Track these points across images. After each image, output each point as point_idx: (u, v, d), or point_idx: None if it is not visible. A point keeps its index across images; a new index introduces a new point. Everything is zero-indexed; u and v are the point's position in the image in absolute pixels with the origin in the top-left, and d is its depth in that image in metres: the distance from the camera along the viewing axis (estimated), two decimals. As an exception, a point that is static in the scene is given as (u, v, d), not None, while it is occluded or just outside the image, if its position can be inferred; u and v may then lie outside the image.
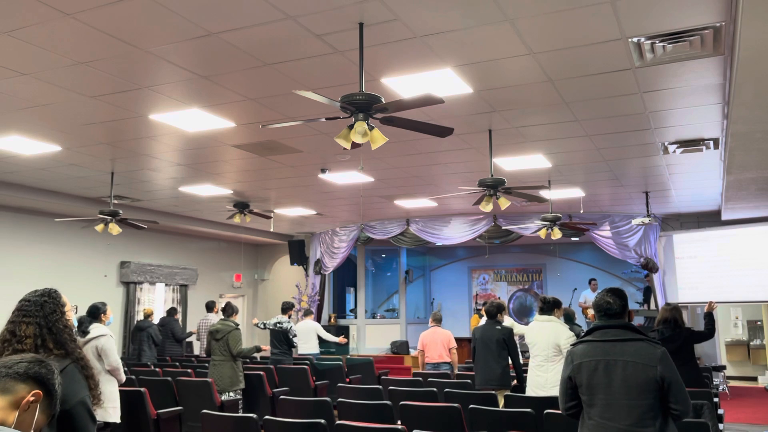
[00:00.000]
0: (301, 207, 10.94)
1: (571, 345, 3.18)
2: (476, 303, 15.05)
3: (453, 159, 7.55)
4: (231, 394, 6.62)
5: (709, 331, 5.88)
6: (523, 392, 5.70)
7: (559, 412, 4.07)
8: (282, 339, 8.51)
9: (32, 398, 1.71)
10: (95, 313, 5.40)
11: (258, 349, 7.21)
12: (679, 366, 5.33)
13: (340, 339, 9.92)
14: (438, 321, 8.09)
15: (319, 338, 9.51)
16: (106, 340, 5.26)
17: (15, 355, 1.82)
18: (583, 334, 5.35)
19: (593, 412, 2.96)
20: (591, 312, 11.13)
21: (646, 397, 2.85)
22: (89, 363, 2.33)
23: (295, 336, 8.56)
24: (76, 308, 8.67)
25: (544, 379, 5.38)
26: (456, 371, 7.76)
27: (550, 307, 5.59)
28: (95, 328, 5.29)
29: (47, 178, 8.47)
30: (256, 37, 4.18)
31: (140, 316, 11.01)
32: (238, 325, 6.88)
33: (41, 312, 2.30)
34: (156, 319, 10.44)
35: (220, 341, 6.72)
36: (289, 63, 4.61)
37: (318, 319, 11.92)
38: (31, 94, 5.24)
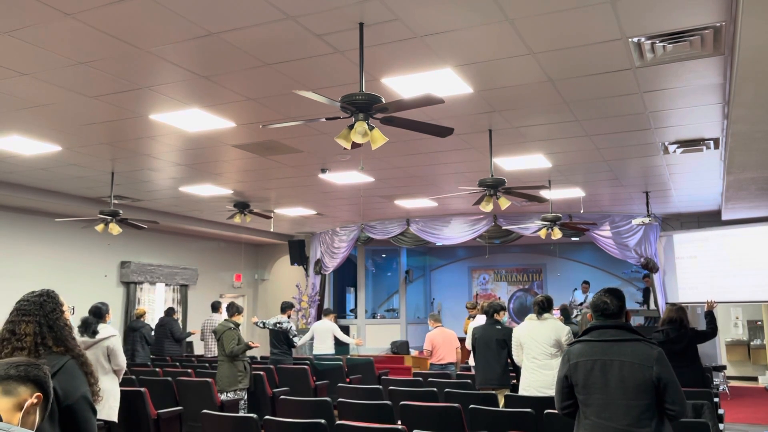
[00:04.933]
0: (301, 207, 10.94)
1: (567, 344, 3.18)
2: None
3: (453, 159, 7.55)
4: (230, 394, 6.60)
5: (712, 330, 5.89)
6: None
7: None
8: (282, 339, 8.51)
9: (35, 401, 1.74)
10: (99, 313, 5.40)
11: (248, 347, 7.11)
12: (686, 366, 5.36)
13: (357, 341, 9.91)
14: (439, 321, 8.17)
15: (336, 339, 9.45)
16: (117, 341, 5.28)
17: (6, 359, 1.85)
18: (580, 332, 5.38)
19: (590, 411, 2.96)
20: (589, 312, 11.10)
21: (643, 398, 2.85)
22: (88, 360, 2.37)
23: (295, 336, 8.55)
24: (73, 309, 8.66)
25: (552, 376, 5.29)
26: (458, 370, 7.90)
27: (548, 307, 5.59)
28: (104, 329, 5.29)
29: (47, 178, 8.47)
30: (256, 37, 4.18)
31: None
32: (237, 325, 6.86)
33: (41, 311, 2.34)
34: (151, 319, 10.41)
35: (219, 341, 6.75)
36: (289, 63, 4.61)
37: (317, 319, 11.89)
38: (31, 94, 5.24)
